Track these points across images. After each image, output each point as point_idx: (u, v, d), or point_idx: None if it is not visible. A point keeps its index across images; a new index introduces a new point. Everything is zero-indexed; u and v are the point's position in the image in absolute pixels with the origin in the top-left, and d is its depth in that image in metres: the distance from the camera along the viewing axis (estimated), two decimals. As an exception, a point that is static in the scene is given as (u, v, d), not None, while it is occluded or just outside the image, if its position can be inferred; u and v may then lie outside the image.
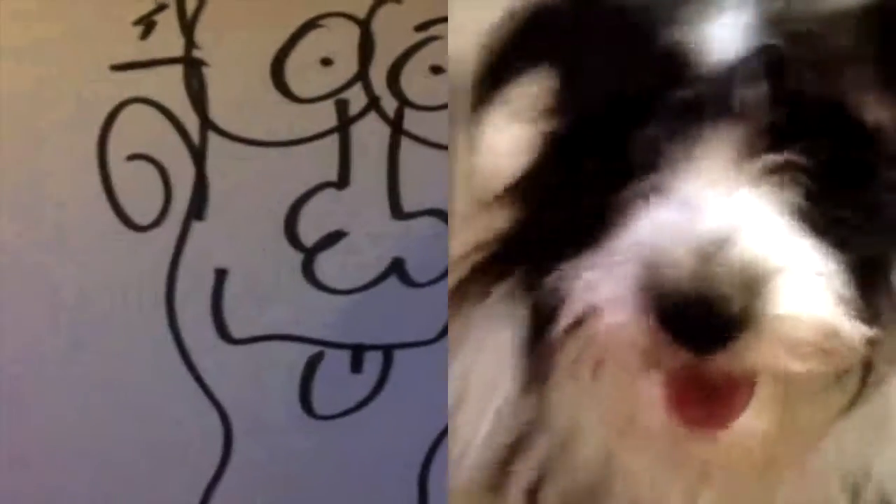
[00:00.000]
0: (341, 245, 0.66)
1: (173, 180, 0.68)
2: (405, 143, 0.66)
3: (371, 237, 0.66)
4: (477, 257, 0.48)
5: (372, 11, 0.68)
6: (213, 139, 0.68)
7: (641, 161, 0.42)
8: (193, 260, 0.67)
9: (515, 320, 0.46)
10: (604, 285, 0.40)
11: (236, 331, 0.66)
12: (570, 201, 0.44)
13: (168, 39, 0.69)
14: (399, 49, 0.67)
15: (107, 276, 0.67)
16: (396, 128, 0.67)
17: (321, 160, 0.67)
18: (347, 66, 0.67)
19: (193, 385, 0.66)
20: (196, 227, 0.67)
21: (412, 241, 0.66)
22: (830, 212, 0.41)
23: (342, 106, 0.67)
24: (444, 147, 0.66)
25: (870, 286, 0.42)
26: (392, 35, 0.67)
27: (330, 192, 0.66)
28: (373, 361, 0.65)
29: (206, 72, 0.68)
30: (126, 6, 0.69)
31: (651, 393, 0.42)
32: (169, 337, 0.67)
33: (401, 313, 0.65)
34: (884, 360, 0.42)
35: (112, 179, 0.68)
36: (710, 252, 0.38)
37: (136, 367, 0.67)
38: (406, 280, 0.65)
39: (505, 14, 0.46)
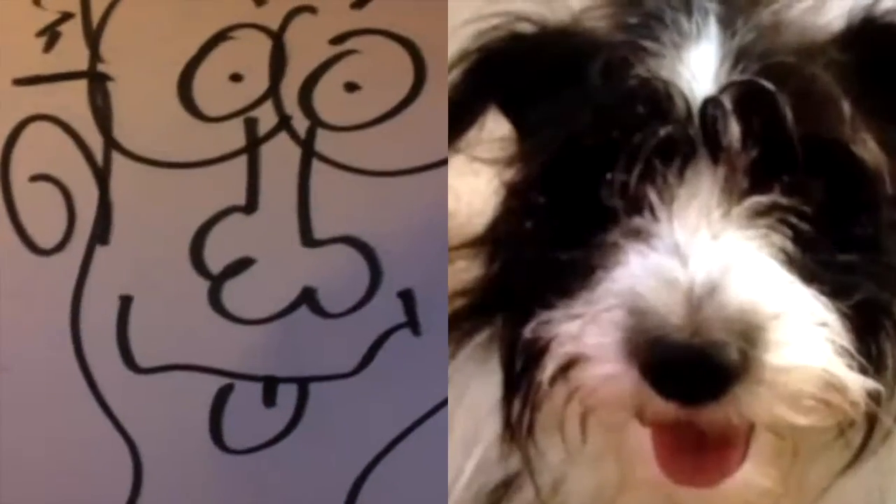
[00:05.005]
0: (249, 273, 0.63)
1: (77, 202, 0.65)
2: (317, 166, 0.63)
3: (280, 265, 0.62)
4: (454, 305, 0.46)
5: (285, 23, 0.64)
6: (118, 159, 0.65)
7: (618, 206, 0.40)
8: (98, 286, 0.64)
9: (497, 369, 0.44)
10: (588, 334, 0.39)
11: (143, 360, 0.64)
12: (546, 248, 0.42)
13: (73, 52, 0.66)
14: (312, 64, 0.63)
15: (10, 301, 0.65)
16: (308, 149, 0.63)
17: (229, 183, 0.63)
18: (258, 81, 0.64)
19: (101, 415, 0.64)
20: (100, 251, 0.64)
21: (324, 270, 0.62)
22: (825, 256, 0.39)
23: (251, 125, 0.63)
24: (358, 171, 0.62)
25: (870, 335, 0.40)
26: (305, 49, 0.63)
27: (237, 217, 0.63)
28: (287, 395, 0.62)
29: (111, 87, 0.65)
30: (29, 15, 0.66)
31: (642, 446, 0.40)
32: (75, 365, 0.64)
33: (314, 345, 0.62)
34: (889, 414, 0.40)
35: (15, 201, 0.65)
36: (702, 297, 0.37)
37: (40, 394, 0.64)
38: (318, 310, 0.62)
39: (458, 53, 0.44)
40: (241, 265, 0.63)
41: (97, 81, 0.65)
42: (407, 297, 0.61)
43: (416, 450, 0.60)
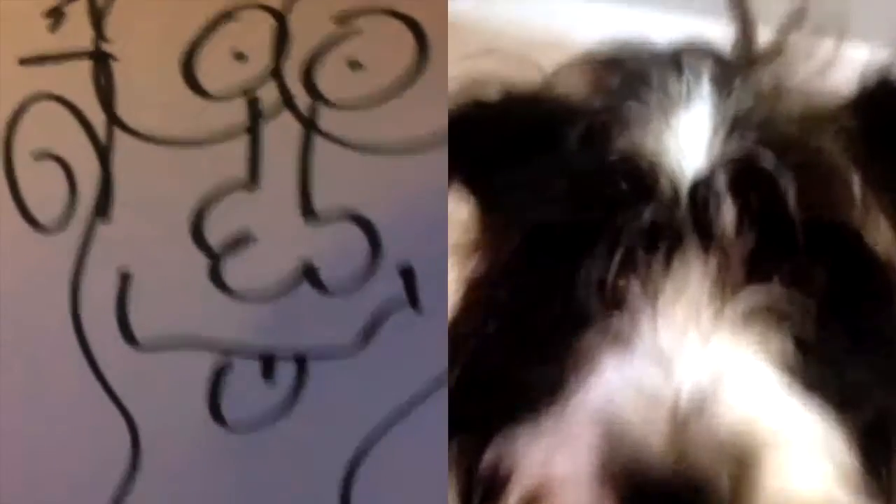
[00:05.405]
0: (250, 249, 0.63)
1: (79, 179, 0.65)
2: (319, 143, 0.63)
3: (281, 241, 0.62)
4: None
5: (289, 2, 0.64)
6: (120, 137, 0.65)
7: (594, 303, 0.36)
8: (98, 262, 0.64)
9: (454, 498, 0.40)
10: (558, 458, 0.34)
11: (142, 336, 0.63)
12: (510, 353, 0.38)
13: (78, 31, 0.66)
14: (315, 42, 0.64)
15: (11, 278, 0.65)
16: (310, 126, 0.63)
17: (230, 159, 0.63)
18: (261, 60, 0.64)
19: (99, 391, 0.63)
20: (101, 228, 0.65)
21: (325, 247, 0.62)
22: (830, 361, 0.35)
23: (254, 103, 0.64)
24: (360, 148, 0.62)
25: (881, 455, 0.35)
26: (309, 27, 0.64)
27: (239, 193, 0.63)
28: (285, 371, 0.62)
29: (115, 66, 0.66)
30: (37, -5, 0.67)
31: None
32: (74, 340, 0.64)
33: (314, 321, 0.62)
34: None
35: (17, 178, 0.66)
36: (688, 415, 0.32)
37: (39, 371, 0.64)
38: (318, 287, 0.62)
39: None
40: (241, 241, 0.63)
41: (101, 61, 0.66)
42: (407, 274, 0.61)
43: (416, 427, 0.60)
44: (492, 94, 0.40)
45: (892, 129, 0.39)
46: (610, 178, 0.36)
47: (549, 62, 0.41)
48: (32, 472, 0.64)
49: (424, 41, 0.62)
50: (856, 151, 0.37)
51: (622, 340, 0.35)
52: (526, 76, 0.41)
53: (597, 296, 0.36)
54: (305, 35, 0.64)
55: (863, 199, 0.36)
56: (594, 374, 0.35)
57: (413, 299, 0.61)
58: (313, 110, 0.63)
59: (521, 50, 0.41)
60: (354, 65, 0.63)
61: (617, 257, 0.36)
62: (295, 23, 0.64)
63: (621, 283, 0.36)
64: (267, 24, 0.65)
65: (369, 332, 0.61)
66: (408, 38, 0.63)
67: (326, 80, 0.64)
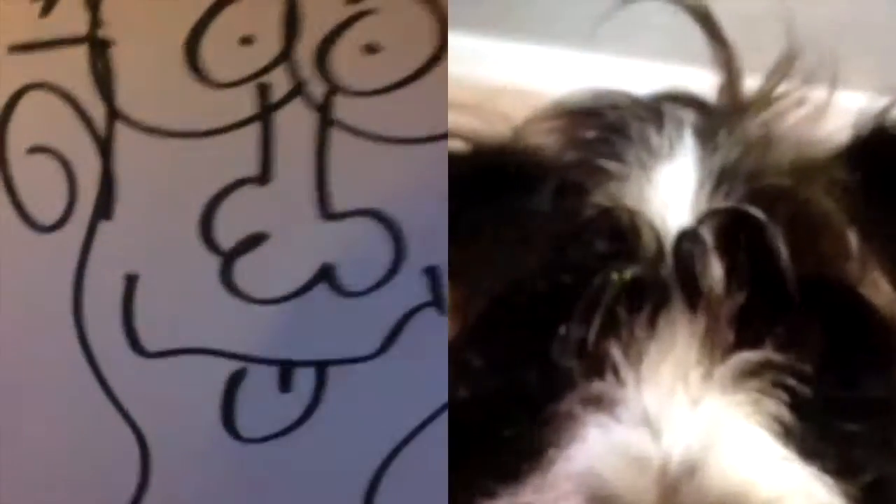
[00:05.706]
0: (263, 249, 0.59)
1: (78, 176, 0.61)
2: (335, 134, 0.59)
3: (297, 240, 0.59)
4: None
5: (299, -20, 0.61)
6: (121, 129, 0.61)
7: (574, 366, 0.35)
8: (102, 264, 0.61)
9: None
10: None
11: (150, 344, 0.60)
12: (485, 421, 0.36)
13: (71, 16, 0.62)
14: (328, 25, 0.59)
15: (9, 283, 0.62)
16: (325, 116, 0.59)
17: (240, 153, 0.59)
18: (270, 44, 0.60)
19: (106, 402, 0.60)
20: (103, 227, 0.61)
21: (343, 246, 0.58)
22: (828, 425, 0.34)
23: (264, 91, 0.59)
24: (379, 139, 0.58)
25: None
26: (320, 8, 0.60)
27: (250, 189, 0.59)
28: (304, 379, 0.59)
29: (113, 52, 0.61)
30: (26, -22, 0.63)
31: None
32: (77, 349, 0.61)
33: (332, 326, 0.58)
34: None
35: (13, 175, 0.62)
36: (678, 480, 0.31)
37: (41, 380, 0.61)
38: (337, 289, 0.58)
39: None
40: (254, 240, 0.59)
41: (98, 47, 0.62)
42: (432, 274, 0.57)
43: (441, 437, 0.57)
44: (458, 148, 0.39)
45: (889, 178, 0.37)
46: (587, 235, 0.35)
47: (518, 113, 0.39)
48: (38, 487, 0.61)
49: (445, 19, 0.58)
50: (851, 202, 0.36)
51: (605, 404, 0.33)
52: (494, 128, 0.39)
53: (577, 359, 0.35)
54: (318, 16, 0.60)
55: (859, 251, 0.35)
56: (577, 440, 0.33)
57: (438, 301, 0.57)
58: (328, 98, 0.59)
59: (489, 100, 0.39)
60: (371, 48, 0.59)
61: (597, 320, 0.34)
62: (305, 3, 0.60)
63: (603, 345, 0.34)
64: (275, 4, 0.60)
65: (392, 337, 0.58)
66: (427, 16, 0.58)
67: (341, 64, 0.59)
